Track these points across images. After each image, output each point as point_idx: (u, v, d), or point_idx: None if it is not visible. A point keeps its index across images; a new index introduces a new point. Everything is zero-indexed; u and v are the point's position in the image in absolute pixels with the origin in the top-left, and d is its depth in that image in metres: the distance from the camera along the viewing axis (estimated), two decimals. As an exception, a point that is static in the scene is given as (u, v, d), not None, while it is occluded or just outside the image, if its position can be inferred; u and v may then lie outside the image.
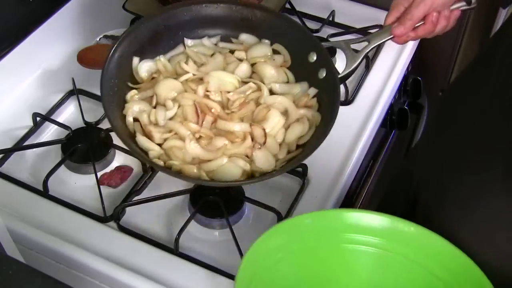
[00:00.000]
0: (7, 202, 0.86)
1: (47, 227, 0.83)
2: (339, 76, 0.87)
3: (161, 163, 0.80)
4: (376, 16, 1.19)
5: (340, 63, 1.11)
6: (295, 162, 0.82)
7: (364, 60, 1.10)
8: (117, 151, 0.94)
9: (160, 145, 0.82)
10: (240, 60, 0.92)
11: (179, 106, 0.85)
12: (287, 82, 0.91)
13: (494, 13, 1.29)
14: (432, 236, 0.74)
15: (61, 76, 1.05)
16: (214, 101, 0.85)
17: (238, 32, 0.94)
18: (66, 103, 1.02)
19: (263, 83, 0.89)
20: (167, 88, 0.86)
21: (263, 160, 0.81)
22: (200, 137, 0.82)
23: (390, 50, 1.14)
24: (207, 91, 0.86)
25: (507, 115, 0.67)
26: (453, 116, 0.80)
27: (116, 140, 0.94)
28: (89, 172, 0.91)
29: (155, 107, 0.85)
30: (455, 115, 0.79)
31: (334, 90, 0.84)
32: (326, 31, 1.15)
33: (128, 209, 0.87)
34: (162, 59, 0.90)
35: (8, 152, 0.93)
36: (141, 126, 0.83)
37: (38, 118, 0.97)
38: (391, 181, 1.02)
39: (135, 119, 0.84)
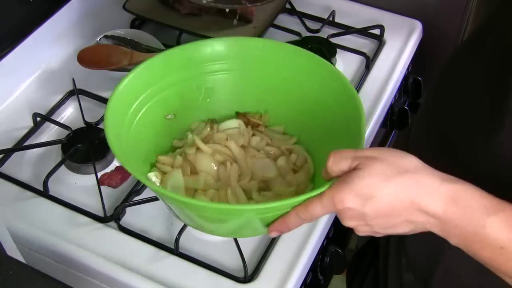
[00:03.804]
0: (7, 202, 0.86)
1: (47, 227, 0.83)
2: None
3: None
4: (376, 16, 1.19)
5: (341, 63, 1.11)
6: None
7: (365, 60, 1.11)
8: (117, 151, 0.94)
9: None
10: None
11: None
12: None
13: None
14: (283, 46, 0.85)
15: (61, 76, 1.05)
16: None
17: None
18: (66, 103, 1.02)
19: None
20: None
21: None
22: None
23: (390, 50, 1.14)
24: None
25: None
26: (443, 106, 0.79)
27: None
28: (89, 172, 0.91)
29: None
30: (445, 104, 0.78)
31: None
32: (326, 31, 1.15)
33: (128, 209, 0.87)
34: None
35: (8, 152, 0.93)
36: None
37: (38, 118, 0.97)
38: None
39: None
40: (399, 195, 0.57)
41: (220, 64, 0.85)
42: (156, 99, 0.83)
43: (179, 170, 0.80)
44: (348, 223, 0.62)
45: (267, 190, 0.80)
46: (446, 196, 0.57)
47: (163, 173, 0.81)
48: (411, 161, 0.60)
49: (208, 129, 0.85)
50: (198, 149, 0.82)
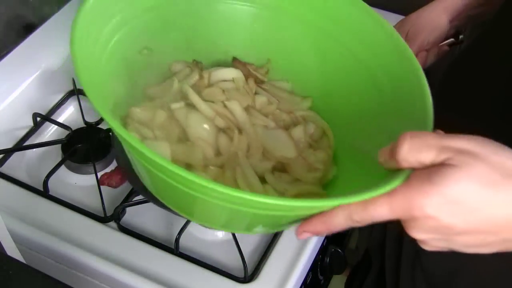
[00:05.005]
0: (7, 202, 0.86)
1: (47, 227, 0.83)
2: None
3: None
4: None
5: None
6: None
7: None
8: (117, 151, 0.94)
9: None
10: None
11: None
12: None
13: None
14: None
15: (61, 76, 1.05)
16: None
17: None
18: (66, 103, 1.02)
19: None
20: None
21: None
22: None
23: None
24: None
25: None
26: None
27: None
28: (89, 172, 0.91)
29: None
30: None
31: None
32: (326, 31, 1.15)
33: (128, 209, 0.87)
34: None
35: (8, 152, 0.93)
36: None
37: (38, 118, 0.97)
38: None
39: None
40: (507, 208, 0.43)
41: None
42: (132, 25, 0.60)
43: (165, 142, 0.57)
44: (418, 234, 0.45)
45: (281, 171, 0.60)
46: None
47: (141, 136, 0.58)
48: None
49: (197, 76, 0.62)
50: (188, 105, 0.59)
